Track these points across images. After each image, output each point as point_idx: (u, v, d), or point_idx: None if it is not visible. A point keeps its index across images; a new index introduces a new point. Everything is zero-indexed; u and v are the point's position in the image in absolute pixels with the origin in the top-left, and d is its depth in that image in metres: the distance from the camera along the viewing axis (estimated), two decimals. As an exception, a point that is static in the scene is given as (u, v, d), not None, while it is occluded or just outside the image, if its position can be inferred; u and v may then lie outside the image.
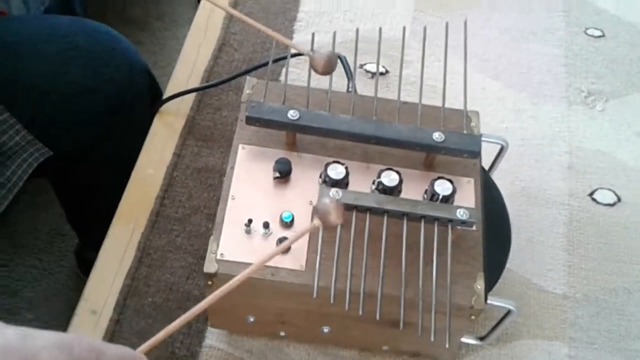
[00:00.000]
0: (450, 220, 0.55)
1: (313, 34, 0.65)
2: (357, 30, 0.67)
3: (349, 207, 0.55)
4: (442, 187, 0.58)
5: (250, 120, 0.59)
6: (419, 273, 0.53)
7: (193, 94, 0.80)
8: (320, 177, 0.59)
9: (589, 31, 0.92)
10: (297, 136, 0.62)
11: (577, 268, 0.72)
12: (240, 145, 0.61)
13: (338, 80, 0.72)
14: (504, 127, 0.82)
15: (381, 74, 0.86)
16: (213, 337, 0.65)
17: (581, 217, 0.76)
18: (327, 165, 0.58)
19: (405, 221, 0.55)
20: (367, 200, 0.55)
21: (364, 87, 0.84)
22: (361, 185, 0.59)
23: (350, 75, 0.76)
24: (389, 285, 0.53)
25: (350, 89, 0.76)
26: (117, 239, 0.70)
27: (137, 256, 0.69)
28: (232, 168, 0.60)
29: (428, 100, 0.65)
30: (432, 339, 0.53)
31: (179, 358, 0.64)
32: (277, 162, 0.59)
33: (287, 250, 0.55)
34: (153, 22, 0.86)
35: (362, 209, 0.55)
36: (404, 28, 0.69)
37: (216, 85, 0.79)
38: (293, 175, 0.60)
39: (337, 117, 0.60)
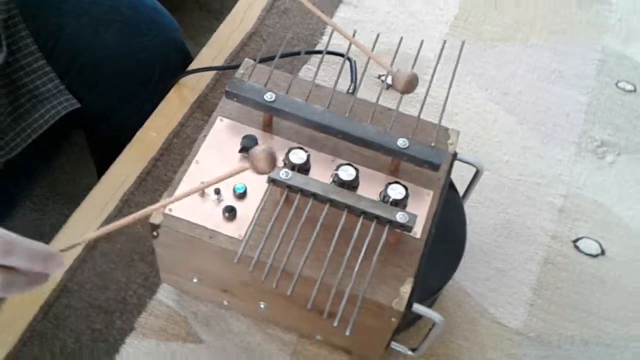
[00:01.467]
0: (389, 221, 0.56)
1: (378, 35, 0.68)
2: (377, 35, 0.69)
3: (295, 190, 0.57)
4: (395, 191, 0.60)
5: (229, 95, 0.63)
6: (342, 263, 0.54)
7: (212, 73, 0.85)
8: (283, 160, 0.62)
9: (621, 84, 0.90)
10: (274, 119, 0.65)
11: (539, 308, 0.71)
12: (219, 117, 0.65)
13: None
14: (505, 159, 0.82)
15: (397, 87, 0.87)
16: (164, 293, 0.69)
17: (558, 260, 0.74)
18: (290, 149, 0.61)
19: (345, 213, 0.57)
20: (313, 186, 0.57)
21: (373, 95, 0.85)
22: (322, 175, 0.61)
23: (353, 78, 0.78)
24: (312, 268, 0.55)
25: (350, 91, 0.79)
26: (106, 187, 0.75)
27: (117, 206, 0.73)
28: (205, 136, 0.63)
29: (431, 117, 0.66)
30: (348, 332, 0.54)
31: (128, 305, 0.68)
32: (244, 137, 0.62)
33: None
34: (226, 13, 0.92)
35: (307, 194, 0.57)
36: (444, 42, 0.69)
37: (233, 67, 0.84)
38: (260, 153, 0.63)
39: (310, 107, 0.62)
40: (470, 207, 0.77)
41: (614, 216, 0.78)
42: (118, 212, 0.73)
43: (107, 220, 0.72)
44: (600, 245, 0.76)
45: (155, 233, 0.59)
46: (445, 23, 0.95)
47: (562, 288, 0.73)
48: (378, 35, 0.70)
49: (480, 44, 0.93)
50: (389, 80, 0.88)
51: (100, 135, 1.02)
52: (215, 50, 0.88)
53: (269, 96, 0.62)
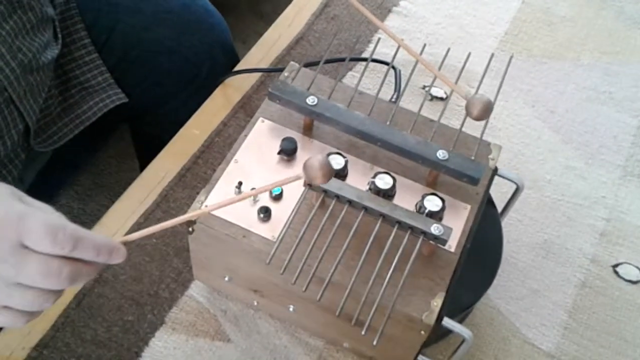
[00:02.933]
0: (424, 233, 0.56)
1: (424, 45, 0.68)
2: (424, 45, 0.69)
3: (330, 195, 0.57)
4: (432, 203, 0.59)
5: (271, 97, 0.63)
6: (374, 272, 0.54)
7: (257, 75, 0.86)
8: (322, 164, 0.62)
9: (674, 109, 0.87)
10: (315, 124, 0.65)
11: (573, 332, 0.69)
12: (261, 118, 0.65)
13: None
14: (547, 178, 0.80)
15: (441, 98, 0.87)
16: (196, 290, 0.69)
17: (596, 284, 0.73)
18: (329, 154, 0.61)
19: (379, 222, 0.56)
20: (349, 192, 0.57)
21: (416, 106, 0.85)
22: (359, 182, 0.61)
23: (397, 87, 0.78)
24: (342, 274, 0.55)
25: (393, 100, 0.78)
26: (146, 182, 0.76)
27: (156, 201, 0.74)
28: (245, 135, 0.64)
29: (474, 131, 0.65)
30: (375, 342, 0.53)
31: (160, 298, 0.68)
32: (284, 139, 0.62)
33: (239, 192, 0.59)
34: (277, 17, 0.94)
35: (342, 200, 0.57)
36: (491, 56, 0.68)
37: (278, 70, 0.84)
38: (298, 156, 0.63)
39: (351, 113, 0.62)
40: (509, 225, 0.76)
41: (658, 243, 0.76)
42: (156, 207, 0.74)
43: (145, 214, 0.73)
44: (642, 272, 0.74)
45: (190, 229, 0.60)
46: (494, 37, 0.94)
47: (599, 313, 0.71)
48: (424, 46, 0.70)
49: (530, 61, 0.91)
50: (433, 92, 0.87)
51: (145, 130, 1.04)
52: (262, 52, 0.89)
53: (311, 100, 0.62)
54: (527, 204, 0.78)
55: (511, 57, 0.67)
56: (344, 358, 0.66)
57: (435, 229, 0.55)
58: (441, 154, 0.60)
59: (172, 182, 0.76)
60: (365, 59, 0.77)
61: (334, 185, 0.57)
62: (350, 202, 0.57)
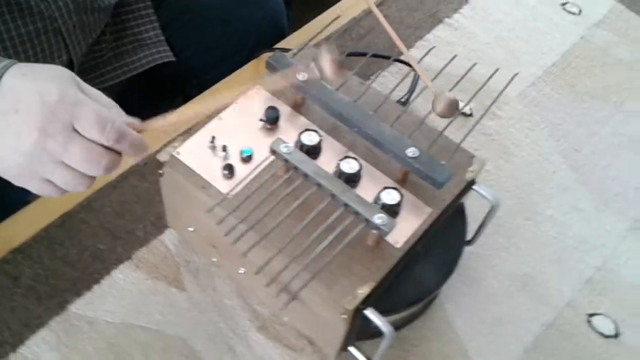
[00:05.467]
0: (367, 220, 0.56)
1: (454, 56, 0.69)
2: (454, 56, 0.70)
3: (291, 166, 0.58)
4: (389, 196, 0.59)
5: (268, 65, 0.66)
6: (308, 242, 0.55)
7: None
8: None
9: None
10: (306, 103, 0.66)
11: (524, 368, 0.67)
12: (258, 86, 0.68)
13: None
14: (549, 213, 0.78)
15: (466, 114, 0.85)
16: (169, 236, 0.72)
17: (564, 329, 0.70)
18: (305, 129, 0.62)
19: (329, 200, 0.57)
20: (307, 167, 0.58)
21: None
22: (329, 163, 0.62)
23: (410, 89, 0.78)
24: (277, 238, 0.56)
25: (403, 100, 0.79)
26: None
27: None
28: (237, 98, 0.66)
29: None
30: (284, 306, 0.55)
31: (134, 236, 0.72)
32: (268, 107, 0.64)
33: (213, 147, 0.62)
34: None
35: (300, 173, 0.58)
36: (514, 75, 0.69)
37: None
38: (280, 127, 0.65)
39: (337, 95, 0.63)
40: (492, 249, 0.74)
41: (647, 305, 0.72)
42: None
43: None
44: (617, 328, 0.70)
45: (160, 171, 0.63)
46: (540, 67, 0.91)
47: (558, 357, 0.68)
48: (454, 57, 0.69)
49: (570, 96, 0.88)
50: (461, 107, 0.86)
51: (185, 94, 1.09)
52: (304, 36, 0.91)
53: (301, 76, 0.64)
54: (519, 234, 0.76)
55: (515, 75, 0.65)
56: (285, 332, 0.67)
57: (378, 218, 0.55)
58: (411, 152, 0.60)
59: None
60: (388, 57, 0.77)
61: (296, 157, 0.58)
62: (306, 176, 0.58)
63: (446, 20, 0.95)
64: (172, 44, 0.96)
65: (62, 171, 0.53)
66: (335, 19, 0.79)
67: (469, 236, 0.69)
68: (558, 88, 0.89)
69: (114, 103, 0.56)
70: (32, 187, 0.54)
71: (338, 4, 0.96)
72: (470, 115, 0.85)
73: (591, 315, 0.71)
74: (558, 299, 0.71)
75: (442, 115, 0.61)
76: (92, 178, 0.54)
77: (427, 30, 0.94)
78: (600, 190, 0.80)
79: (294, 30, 0.95)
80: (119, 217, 0.73)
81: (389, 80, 0.87)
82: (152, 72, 0.96)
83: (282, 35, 0.99)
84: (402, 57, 0.78)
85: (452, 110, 0.59)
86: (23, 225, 0.72)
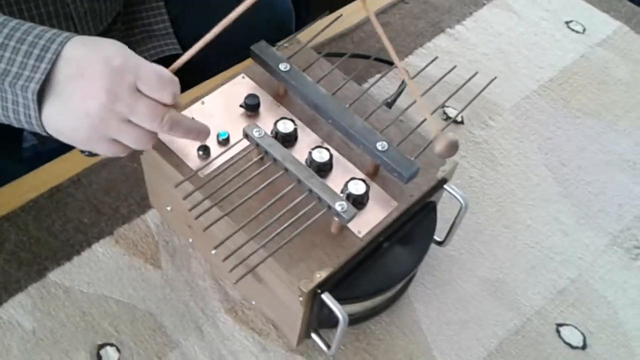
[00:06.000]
0: (328, 206, 0.57)
1: (454, 67, 0.71)
2: (453, 67, 0.71)
3: (262, 150, 0.60)
4: (355, 186, 0.61)
5: (252, 54, 0.68)
6: (269, 221, 0.56)
7: (290, 54, 0.90)
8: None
9: (697, 197, 0.81)
10: (290, 95, 0.68)
11: (485, 371, 0.67)
12: (242, 74, 0.70)
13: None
14: (527, 223, 0.78)
15: (457, 122, 0.86)
16: (151, 216, 0.74)
17: (531, 336, 0.70)
18: (282, 118, 0.64)
19: (294, 184, 0.59)
20: (277, 151, 0.60)
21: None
22: (303, 152, 0.64)
23: (398, 89, 0.80)
24: (239, 215, 0.57)
25: (389, 100, 0.80)
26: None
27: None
28: (221, 85, 0.69)
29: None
30: (234, 281, 0.57)
31: (118, 213, 0.74)
32: (248, 95, 0.66)
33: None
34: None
35: (270, 157, 0.60)
36: (493, 79, 0.69)
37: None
38: (261, 115, 0.67)
39: (315, 87, 0.65)
40: (470, 254, 0.75)
41: (617, 318, 0.71)
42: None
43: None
44: (585, 340, 0.70)
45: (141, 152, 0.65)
46: (537, 81, 0.92)
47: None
48: (454, 67, 0.71)
49: (563, 111, 0.89)
50: (449, 112, 0.87)
51: (189, 88, 1.12)
52: (306, 37, 0.93)
53: (283, 66, 0.66)
54: (497, 240, 0.76)
55: (493, 79, 0.67)
56: (253, 316, 0.69)
57: (339, 205, 0.57)
58: (380, 145, 0.61)
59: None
60: (368, 57, 0.79)
61: (266, 141, 0.60)
62: (275, 161, 0.60)
63: (448, 30, 0.96)
64: (179, 37, 0.99)
65: (129, 129, 0.56)
66: (337, 18, 0.80)
67: (441, 237, 0.70)
68: (552, 102, 0.90)
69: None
70: (100, 148, 0.58)
71: (341, 10, 0.98)
72: (462, 122, 0.86)
73: (560, 325, 0.71)
74: (528, 307, 0.72)
75: (442, 156, 0.60)
76: (155, 135, 0.58)
77: (427, 38, 0.95)
78: (583, 204, 0.80)
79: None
80: (106, 194, 0.76)
81: (385, 85, 0.89)
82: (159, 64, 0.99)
83: (288, 35, 1.02)
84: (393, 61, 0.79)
85: (452, 151, 0.59)
86: (13, 196, 0.75)
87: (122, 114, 0.55)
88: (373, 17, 0.69)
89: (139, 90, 0.56)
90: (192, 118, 0.62)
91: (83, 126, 0.56)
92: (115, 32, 0.96)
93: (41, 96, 0.56)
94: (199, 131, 0.61)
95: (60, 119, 0.56)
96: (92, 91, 0.55)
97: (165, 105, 0.57)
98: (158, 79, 0.56)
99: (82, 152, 0.62)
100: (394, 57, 0.63)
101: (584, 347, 0.69)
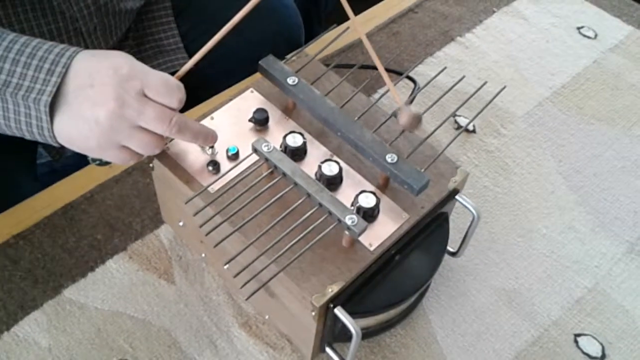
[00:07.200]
0: (339, 220, 0.57)
1: (462, 77, 0.71)
2: (462, 77, 0.71)
3: (271, 164, 0.60)
4: (366, 200, 0.60)
5: (260, 69, 0.68)
6: (277, 238, 0.56)
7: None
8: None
9: None
10: (298, 109, 0.68)
11: (501, 383, 0.66)
12: (251, 89, 0.70)
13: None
14: (543, 232, 0.77)
15: (469, 130, 0.86)
16: (164, 232, 0.75)
17: (549, 347, 0.69)
18: (291, 132, 0.64)
19: (304, 198, 0.59)
20: (286, 166, 0.60)
21: (442, 132, 0.85)
22: (312, 165, 0.64)
23: (408, 101, 0.79)
24: (251, 230, 0.57)
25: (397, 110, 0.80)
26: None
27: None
28: (231, 99, 0.69)
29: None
30: (245, 298, 0.57)
31: (131, 229, 0.75)
32: (257, 109, 0.67)
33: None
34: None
35: (279, 171, 0.60)
36: (484, 83, 0.69)
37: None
38: (270, 129, 0.67)
39: (324, 101, 0.65)
40: (484, 264, 0.74)
41: (636, 327, 0.70)
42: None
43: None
44: (604, 350, 0.69)
45: (151, 165, 0.66)
46: (549, 88, 0.91)
47: (538, 374, 0.67)
48: (462, 77, 0.71)
49: (576, 118, 0.88)
50: (461, 121, 0.87)
51: (199, 102, 1.12)
52: (315, 50, 0.94)
53: (291, 80, 0.66)
54: (512, 250, 0.76)
55: (503, 88, 0.66)
56: (267, 330, 0.68)
57: (349, 219, 0.57)
58: (390, 157, 0.61)
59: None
60: (375, 68, 0.79)
61: (275, 156, 0.60)
62: (285, 175, 0.60)
63: (458, 39, 0.96)
64: (190, 52, 1.00)
65: (138, 134, 0.58)
66: (345, 30, 0.80)
67: (454, 247, 0.69)
68: (565, 109, 0.89)
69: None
70: (110, 155, 0.59)
71: (353, 20, 0.98)
72: (473, 131, 0.86)
73: (578, 335, 0.70)
74: (544, 317, 0.71)
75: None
76: (163, 140, 0.60)
77: (437, 47, 0.95)
78: (598, 212, 0.79)
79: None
80: (119, 210, 0.76)
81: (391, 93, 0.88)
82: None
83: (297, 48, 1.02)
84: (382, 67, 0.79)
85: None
86: (28, 213, 0.75)
87: (131, 120, 0.57)
88: (365, 38, 0.69)
89: (146, 96, 0.57)
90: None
91: (93, 134, 0.57)
92: (126, 47, 0.97)
93: (52, 107, 0.58)
94: (207, 135, 0.62)
95: (71, 128, 0.58)
96: (101, 99, 0.56)
97: (172, 110, 0.58)
98: (164, 85, 0.58)
99: (92, 161, 0.63)
100: (382, 70, 0.65)
101: (602, 357, 0.68)
